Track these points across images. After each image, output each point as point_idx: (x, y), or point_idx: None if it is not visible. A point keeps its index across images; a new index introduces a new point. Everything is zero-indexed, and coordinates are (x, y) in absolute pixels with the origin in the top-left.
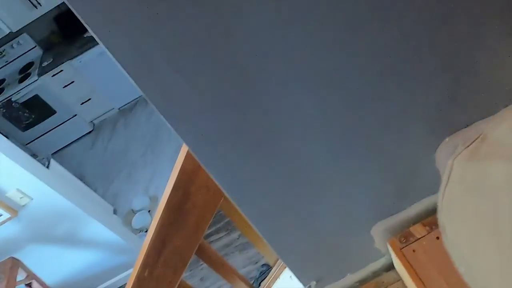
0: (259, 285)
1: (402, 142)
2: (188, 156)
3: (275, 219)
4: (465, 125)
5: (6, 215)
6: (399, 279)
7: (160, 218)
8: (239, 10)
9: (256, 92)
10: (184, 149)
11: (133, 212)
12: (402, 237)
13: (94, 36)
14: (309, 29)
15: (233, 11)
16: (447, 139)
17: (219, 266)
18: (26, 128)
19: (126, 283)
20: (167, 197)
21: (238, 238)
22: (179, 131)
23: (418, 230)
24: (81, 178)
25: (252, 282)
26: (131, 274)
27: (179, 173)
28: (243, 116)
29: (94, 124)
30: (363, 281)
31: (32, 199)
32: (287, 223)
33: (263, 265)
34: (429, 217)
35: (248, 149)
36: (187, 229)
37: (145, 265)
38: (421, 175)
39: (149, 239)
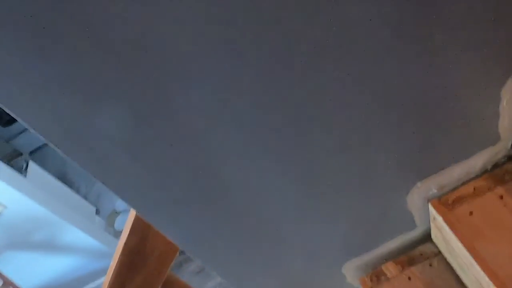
0: None
1: (373, 187)
2: None
3: (243, 271)
4: (436, 171)
5: None
6: None
7: (118, 261)
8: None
9: (210, 157)
10: None
11: (116, 212)
12: (374, 275)
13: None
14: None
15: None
16: (419, 184)
17: None
18: (7, 124)
19: None
20: (123, 241)
21: None
22: (125, 199)
23: (390, 269)
24: (63, 177)
25: None
26: None
27: (135, 217)
28: (195, 180)
29: None
30: None
31: (6, 207)
32: (256, 271)
33: None
34: (401, 255)
35: (203, 208)
36: (148, 271)
37: None
38: (392, 216)
39: (107, 283)
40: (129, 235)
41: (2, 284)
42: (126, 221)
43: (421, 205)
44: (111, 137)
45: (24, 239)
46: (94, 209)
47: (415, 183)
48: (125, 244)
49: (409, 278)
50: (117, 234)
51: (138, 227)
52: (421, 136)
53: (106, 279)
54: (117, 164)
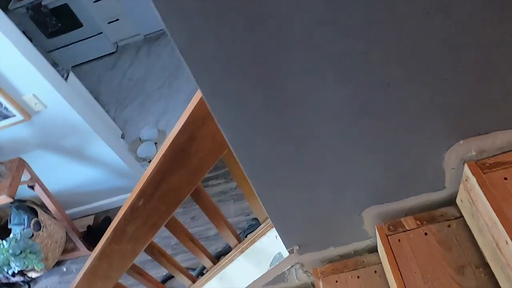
0: (245, 236)
1: (418, 134)
2: (200, 102)
3: (272, 179)
4: (481, 133)
5: (19, 117)
6: (379, 263)
7: (163, 154)
8: None
9: (282, 66)
10: (198, 94)
11: (140, 141)
12: (391, 225)
13: None
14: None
15: None
16: (461, 142)
17: (211, 212)
18: (50, 35)
19: (121, 206)
20: (173, 136)
21: (235, 188)
22: (197, 77)
23: (408, 222)
24: (96, 96)
25: (239, 232)
26: (126, 199)
27: (189, 116)
28: (263, 82)
29: (117, 46)
30: (343, 256)
31: (46, 107)
32: (283, 185)
33: (253, 219)
34: (422, 213)
35: (263, 110)
36: (187, 171)
37: (141, 195)
38: (426, 170)
39: (150, 171)
40: (178, 133)
41: (29, 179)
42: (178, 120)
43: (456, 164)
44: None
45: (56, 142)
46: (120, 132)
47: (457, 140)
48: (173, 140)
49: (426, 234)
50: (139, 159)
51: (188, 127)
52: (478, 95)
53: (147, 171)
54: (203, 42)
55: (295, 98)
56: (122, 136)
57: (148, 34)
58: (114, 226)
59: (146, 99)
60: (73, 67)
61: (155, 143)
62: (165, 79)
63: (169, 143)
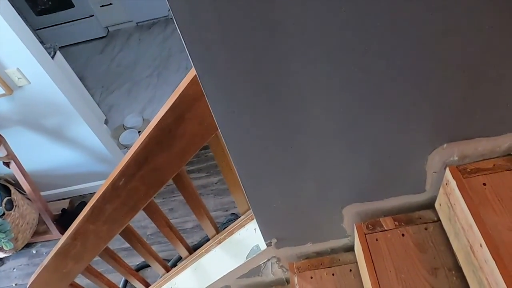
0: (223, 229)
1: (404, 134)
2: (192, 82)
3: (258, 168)
4: (465, 138)
5: (0, 90)
6: (354, 262)
7: (149, 134)
8: None
9: (279, 52)
10: (190, 75)
11: (124, 128)
12: (370, 224)
13: None
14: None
15: None
16: (445, 145)
17: (192, 199)
18: (40, 13)
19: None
20: (161, 115)
21: (216, 183)
22: (193, 53)
23: (387, 222)
24: (81, 79)
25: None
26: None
27: (179, 96)
28: (261, 63)
29: (108, 31)
30: (320, 253)
31: (30, 83)
32: (269, 175)
33: (231, 214)
34: (401, 214)
35: (256, 91)
36: (172, 152)
37: (122, 174)
38: (408, 172)
39: (133, 151)
40: (167, 111)
41: (5, 155)
42: (168, 99)
43: (438, 168)
44: None
45: (37, 120)
46: (104, 117)
47: (442, 143)
48: (160, 120)
49: (403, 235)
50: (121, 146)
51: (177, 107)
52: (466, 99)
53: (131, 150)
54: (203, 18)
55: (289, 88)
56: (106, 122)
57: (140, 22)
58: (92, 204)
59: (133, 87)
60: (60, 47)
61: (139, 132)
62: (154, 68)
63: (156, 122)
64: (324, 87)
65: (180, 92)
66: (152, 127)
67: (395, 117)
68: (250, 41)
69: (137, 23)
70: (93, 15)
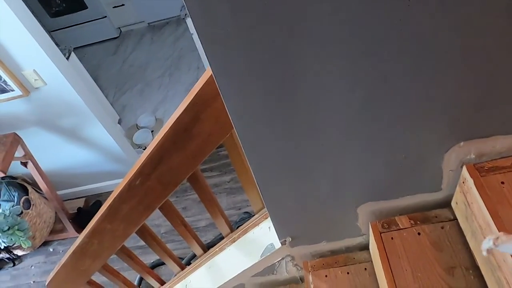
0: (236, 228)
1: (420, 132)
2: (208, 82)
3: (273, 167)
4: (482, 136)
5: (18, 91)
6: (369, 260)
7: (165, 134)
8: None
9: (294, 52)
10: (206, 75)
11: (137, 127)
12: (385, 223)
13: None
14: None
15: None
16: (462, 143)
17: (206, 198)
18: (54, 15)
19: (113, 191)
20: (177, 116)
21: (228, 182)
22: (210, 53)
23: (402, 221)
24: (95, 80)
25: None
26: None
27: (195, 96)
28: (276, 64)
29: (121, 31)
30: (335, 252)
31: (46, 84)
32: (284, 174)
33: (245, 212)
34: (417, 213)
35: (272, 90)
36: (188, 152)
37: (139, 174)
38: (425, 170)
39: (149, 151)
40: (183, 112)
41: (23, 155)
42: (184, 99)
43: (455, 166)
44: None
45: (53, 121)
46: (117, 117)
47: (459, 141)
48: (177, 119)
49: (419, 234)
50: (134, 146)
51: (193, 107)
52: (482, 96)
53: (148, 149)
54: (220, 18)
55: (305, 88)
56: (119, 122)
57: (152, 22)
58: (109, 204)
59: (145, 87)
60: (74, 49)
61: (152, 131)
62: (166, 69)
63: (173, 122)
64: (340, 87)
65: (196, 92)
66: (168, 127)
67: (411, 116)
68: (267, 40)
69: (148, 23)
70: (105, 16)
